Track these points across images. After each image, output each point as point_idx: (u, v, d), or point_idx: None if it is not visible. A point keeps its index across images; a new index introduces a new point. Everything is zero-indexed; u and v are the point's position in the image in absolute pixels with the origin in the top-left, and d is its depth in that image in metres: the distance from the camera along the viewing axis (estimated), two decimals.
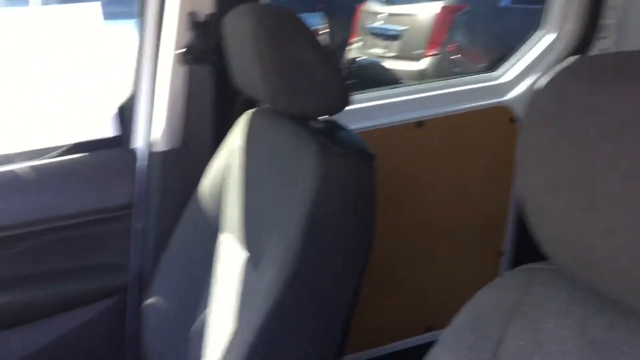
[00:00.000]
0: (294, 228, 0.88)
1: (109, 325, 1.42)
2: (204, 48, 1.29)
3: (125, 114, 1.42)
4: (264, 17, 0.98)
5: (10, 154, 1.33)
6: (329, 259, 0.92)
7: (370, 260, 0.95)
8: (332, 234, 0.92)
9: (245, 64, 1.03)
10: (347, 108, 0.98)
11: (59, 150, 1.40)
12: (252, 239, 1.04)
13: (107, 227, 1.39)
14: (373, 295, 1.56)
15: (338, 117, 1.02)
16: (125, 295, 1.40)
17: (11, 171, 1.32)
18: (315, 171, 0.90)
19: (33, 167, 1.34)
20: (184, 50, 1.29)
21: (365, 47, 4.84)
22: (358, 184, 0.94)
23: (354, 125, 1.14)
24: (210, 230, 1.16)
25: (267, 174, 1.05)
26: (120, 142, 1.42)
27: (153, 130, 1.38)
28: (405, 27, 4.54)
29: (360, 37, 4.89)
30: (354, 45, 4.86)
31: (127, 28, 1.42)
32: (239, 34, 1.03)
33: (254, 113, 1.17)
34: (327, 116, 1.03)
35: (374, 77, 4.51)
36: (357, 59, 4.69)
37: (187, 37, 1.29)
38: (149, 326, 1.24)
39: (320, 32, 2.42)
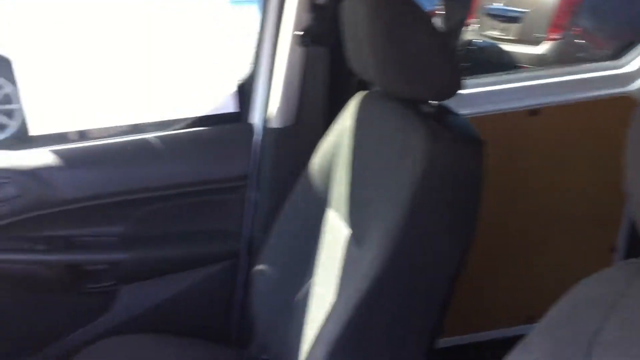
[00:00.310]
0: (398, 209, 0.90)
1: (219, 287, 1.54)
2: (321, 30, 1.34)
3: (244, 92, 1.51)
4: (380, 1, 1.00)
5: (142, 124, 1.45)
6: (430, 241, 0.94)
7: (474, 246, 0.95)
8: (435, 218, 0.93)
9: (360, 46, 1.06)
10: (459, 92, 0.99)
11: (184, 123, 1.52)
12: (356, 216, 1.08)
13: (223, 196, 1.50)
14: (474, 280, 1.56)
15: (449, 102, 1.03)
16: (236, 260, 1.50)
17: (143, 139, 1.45)
18: (423, 155, 0.92)
19: (161, 137, 1.47)
20: (302, 32, 1.34)
21: (482, 29, 4.69)
22: (466, 170, 0.94)
23: (465, 111, 1.14)
24: (318, 205, 1.22)
25: (375, 154, 1.08)
26: (239, 117, 1.52)
27: (269, 107, 1.45)
28: (527, 9, 4.35)
29: (478, 19, 4.75)
30: (471, 27, 4.73)
31: (251, 10, 1.50)
32: (355, 17, 1.06)
33: (365, 95, 1.20)
34: (437, 101, 1.04)
35: (490, 60, 4.37)
36: (473, 42, 4.57)
37: (306, 19, 1.35)
38: (256, 291, 1.32)
39: (436, 13, 2.39)
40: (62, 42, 1.34)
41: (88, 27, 1.36)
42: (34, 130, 1.34)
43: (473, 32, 4.70)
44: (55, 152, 1.42)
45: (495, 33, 4.56)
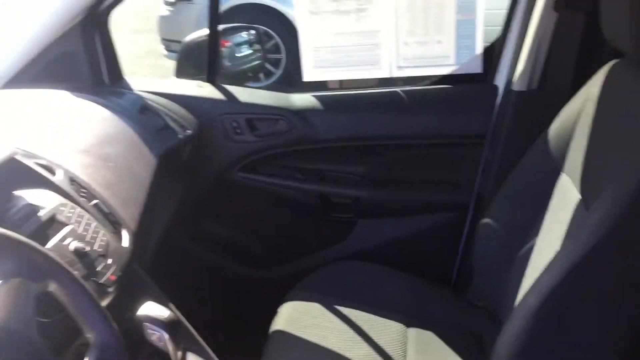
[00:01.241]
0: (633, 175, 0.91)
1: (445, 234, 1.67)
2: None
3: (491, 54, 1.57)
4: None
5: (393, 78, 1.62)
6: None
7: None
8: None
9: (618, 14, 1.06)
10: None
11: (431, 80, 1.64)
12: (590, 182, 1.10)
13: (459, 150, 1.61)
14: None
15: None
16: (464, 212, 1.61)
17: (393, 92, 1.62)
18: None
19: (409, 91, 1.62)
20: None
21: None
22: None
23: None
24: (551, 168, 1.25)
25: (618, 123, 1.08)
26: (483, 78, 1.59)
27: (515, 70, 1.50)
28: None
29: None
30: None
31: None
32: None
33: (616, 64, 1.18)
34: None
35: None
36: None
37: None
38: (479, 242, 1.42)
39: None
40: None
41: None
42: (306, 77, 1.59)
43: None
44: (317, 97, 1.66)
45: None
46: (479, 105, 1.57)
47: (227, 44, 1.97)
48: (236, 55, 2.08)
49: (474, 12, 1.51)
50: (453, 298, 1.51)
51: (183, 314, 1.05)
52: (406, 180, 1.67)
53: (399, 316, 1.34)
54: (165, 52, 4.92)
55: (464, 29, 1.53)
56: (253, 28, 2.01)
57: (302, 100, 1.66)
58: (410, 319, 1.34)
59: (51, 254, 0.73)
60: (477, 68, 1.56)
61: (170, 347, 0.93)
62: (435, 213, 1.66)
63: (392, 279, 1.50)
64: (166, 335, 0.92)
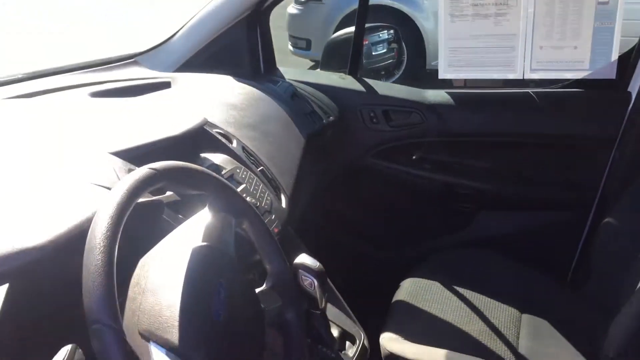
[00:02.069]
0: None
1: (565, 231, 1.73)
2: None
3: (626, 62, 1.62)
4: None
5: (525, 80, 1.70)
6: None
7: None
8: None
9: None
10: None
11: (563, 83, 1.72)
12: None
13: (586, 152, 1.67)
14: None
15: None
16: (586, 212, 1.67)
17: (524, 92, 1.71)
18: None
19: (541, 93, 1.70)
20: None
21: None
22: None
23: None
24: None
25: None
26: (616, 85, 1.63)
27: None
28: None
29: None
30: None
31: None
32: None
33: None
34: None
35: None
36: None
37: None
38: (600, 242, 1.47)
39: None
40: None
41: None
42: (441, 75, 1.71)
43: None
44: (450, 93, 1.78)
45: None
46: (611, 110, 1.62)
47: (365, 42, 2.13)
48: (372, 53, 2.23)
49: (613, 20, 1.57)
50: (569, 293, 1.57)
51: None
52: (530, 177, 1.75)
53: (514, 302, 1.42)
54: (292, 49, 5.17)
55: (601, 36, 1.59)
56: (392, 28, 2.15)
57: (435, 95, 1.79)
58: (525, 306, 1.42)
59: (246, 199, 0.93)
60: (611, 74, 1.61)
61: (318, 293, 1.10)
62: (556, 210, 1.72)
63: (509, 269, 1.58)
64: (316, 282, 1.09)
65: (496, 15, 1.65)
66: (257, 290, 0.91)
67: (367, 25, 1.93)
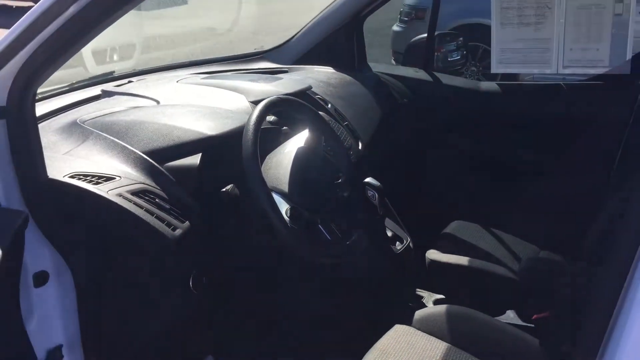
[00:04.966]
0: None
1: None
2: None
3: (637, 61, 2.05)
4: None
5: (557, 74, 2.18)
6: None
7: None
8: None
9: None
10: None
11: (587, 77, 2.18)
12: None
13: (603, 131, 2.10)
14: None
15: None
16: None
17: (556, 84, 2.19)
18: None
19: (568, 84, 2.17)
20: None
21: None
22: None
23: None
24: None
25: None
26: (628, 78, 2.07)
27: None
28: None
29: None
30: None
31: None
32: None
33: None
34: None
35: None
36: None
37: None
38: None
39: None
40: None
41: None
42: (493, 70, 2.23)
43: None
44: (498, 84, 2.29)
45: None
46: (625, 97, 2.02)
47: (441, 50, 2.68)
48: (448, 59, 2.76)
49: (626, 28, 2.02)
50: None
51: None
52: (558, 149, 2.22)
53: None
54: (394, 63, 5.72)
55: (618, 40, 2.04)
56: (460, 35, 2.69)
57: (487, 85, 2.31)
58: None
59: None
60: (626, 70, 2.05)
61: (378, 203, 1.67)
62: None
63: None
64: (377, 195, 1.67)
65: (536, 24, 2.15)
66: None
67: (437, 32, 2.48)
